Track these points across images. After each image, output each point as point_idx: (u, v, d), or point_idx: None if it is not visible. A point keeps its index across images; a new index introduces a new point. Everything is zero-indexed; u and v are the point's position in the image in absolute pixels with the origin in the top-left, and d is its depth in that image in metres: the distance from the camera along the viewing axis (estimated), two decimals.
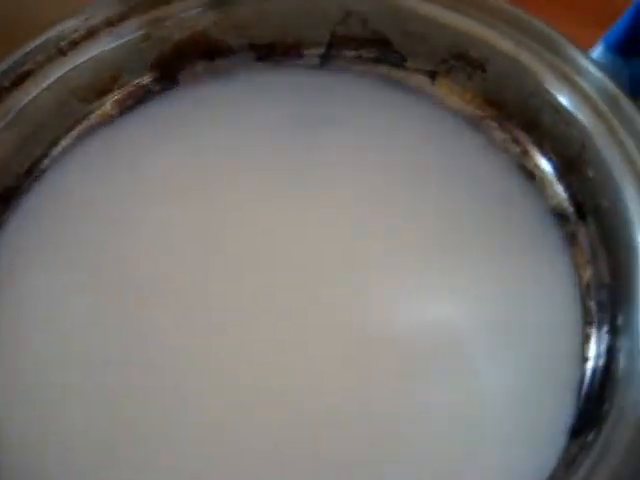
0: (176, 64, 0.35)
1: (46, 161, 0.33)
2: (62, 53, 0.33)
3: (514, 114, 0.33)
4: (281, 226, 0.30)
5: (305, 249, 0.29)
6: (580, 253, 0.30)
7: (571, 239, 0.30)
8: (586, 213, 0.30)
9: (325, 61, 0.36)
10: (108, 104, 0.34)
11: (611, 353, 0.26)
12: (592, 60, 0.30)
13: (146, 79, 0.35)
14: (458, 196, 0.31)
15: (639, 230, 0.28)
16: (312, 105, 0.34)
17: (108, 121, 0.34)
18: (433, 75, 0.35)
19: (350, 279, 0.28)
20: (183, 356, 0.27)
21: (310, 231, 0.30)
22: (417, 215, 0.30)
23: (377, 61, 0.35)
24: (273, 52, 0.35)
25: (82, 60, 0.33)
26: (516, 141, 0.33)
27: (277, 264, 0.29)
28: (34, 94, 0.32)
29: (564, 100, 0.31)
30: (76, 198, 0.32)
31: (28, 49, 0.33)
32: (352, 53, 0.35)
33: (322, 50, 0.36)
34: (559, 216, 0.31)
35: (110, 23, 0.34)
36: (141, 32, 0.34)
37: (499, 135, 0.33)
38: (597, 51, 0.34)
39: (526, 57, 0.32)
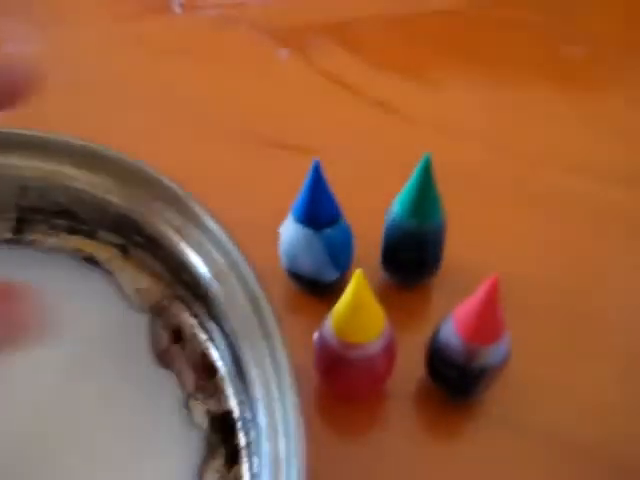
0: None
1: None
2: None
3: (198, 296, 0.29)
4: None
5: None
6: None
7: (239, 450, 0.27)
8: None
9: (18, 233, 0.32)
10: None
11: None
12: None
13: None
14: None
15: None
16: None
17: None
18: (124, 249, 0.31)
19: None
20: None
21: None
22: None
23: (71, 232, 0.32)
24: None
25: None
26: (203, 327, 0.30)
27: None
28: None
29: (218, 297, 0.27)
30: None
31: None
32: (44, 225, 0.32)
33: (13, 223, 0.32)
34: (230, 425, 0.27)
35: None
36: None
37: (188, 320, 0.30)
38: (288, 222, 0.30)
39: (187, 242, 0.28)
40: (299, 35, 0.42)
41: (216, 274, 0.27)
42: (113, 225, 0.31)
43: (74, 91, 0.40)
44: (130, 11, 0.43)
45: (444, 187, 0.29)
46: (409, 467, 0.28)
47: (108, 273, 0.31)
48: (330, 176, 0.28)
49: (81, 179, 0.30)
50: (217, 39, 0.42)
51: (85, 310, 0.30)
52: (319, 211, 0.29)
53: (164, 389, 0.29)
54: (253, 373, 0.25)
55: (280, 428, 0.24)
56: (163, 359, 0.29)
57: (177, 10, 0.43)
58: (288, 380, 0.24)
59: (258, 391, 0.25)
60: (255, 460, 0.26)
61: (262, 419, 0.24)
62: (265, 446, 0.24)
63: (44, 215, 0.32)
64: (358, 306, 0.26)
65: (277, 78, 0.40)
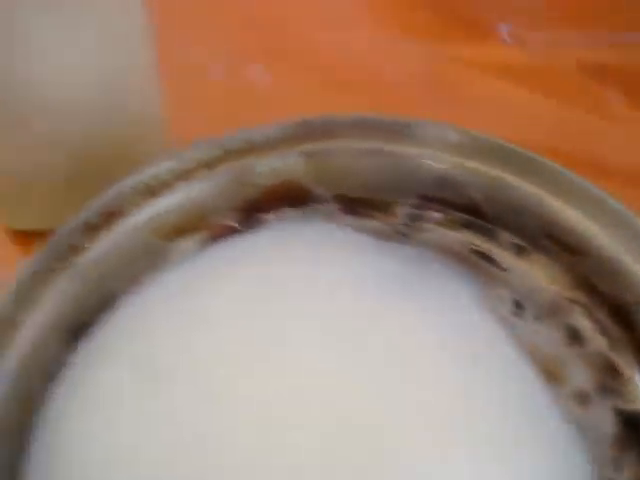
0: (262, 209, 0.35)
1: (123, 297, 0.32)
2: (152, 193, 0.33)
3: (606, 304, 0.32)
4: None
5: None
6: None
7: None
8: None
9: (411, 221, 0.35)
10: (190, 242, 0.34)
11: None
12: None
13: (231, 220, 0.35)
14: None
15: None
16: (384, 266, 0.33)
17: (189, 257, 0.34)
18: (520, 250, 0.34)
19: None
20: None
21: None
22: None
23: (464, 226, 0.35)
24: (359, 206, 0.35)
25: (170, 201, 0.34)
26: (604, 333, 0.32)
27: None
28: (121, 232, 0.33)
29: None
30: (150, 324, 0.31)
31: (119, 188, 0.33)
32: (440, 215, 0.35)
33: (409, 209, 0.35)
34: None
35: (204, 166, 0.34)
36: (232, 176, 0.34)
37: (585, 324, 0.32)
38: None
39: (629, 260, 0.31)
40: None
41: None
42: (526, 228, 0.33)
43: None
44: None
45: None
46: None
47: (501, 269, 0.34)
48: None
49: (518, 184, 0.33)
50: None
51: None
52: None
53: None
54: None
55: None
56: None
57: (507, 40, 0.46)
58: None
59: None
60: None
61: None
62: None
63: (444, 207, 0.35)
64: None
65: None
